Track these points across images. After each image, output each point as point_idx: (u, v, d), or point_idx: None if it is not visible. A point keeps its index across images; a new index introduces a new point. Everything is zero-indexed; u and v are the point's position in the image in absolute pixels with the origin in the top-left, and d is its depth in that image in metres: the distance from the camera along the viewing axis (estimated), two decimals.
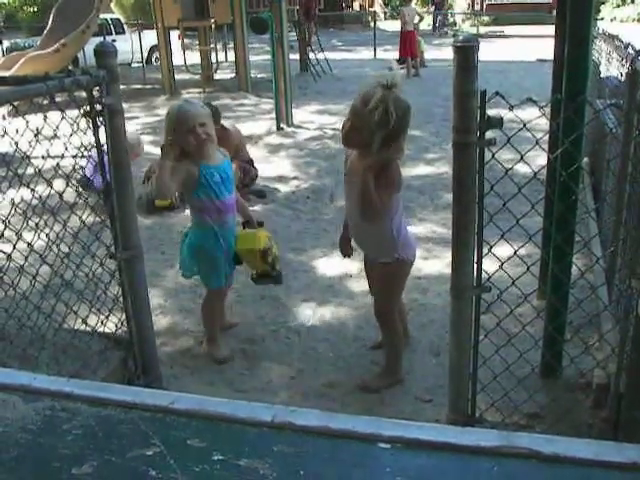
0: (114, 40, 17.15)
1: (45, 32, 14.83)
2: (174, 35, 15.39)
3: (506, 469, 0.77)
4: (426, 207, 6.62)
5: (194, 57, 16.45)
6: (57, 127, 2.80)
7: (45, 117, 2.75)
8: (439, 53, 18.67)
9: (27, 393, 0.92)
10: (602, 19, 27.24)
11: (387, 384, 3.60)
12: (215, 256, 3.77)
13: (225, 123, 6.85)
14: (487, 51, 16.50)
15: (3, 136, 2.87)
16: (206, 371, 3.85)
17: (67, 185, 3.01)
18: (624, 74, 4.54)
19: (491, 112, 2.36)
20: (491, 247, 2.53)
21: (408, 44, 16.44)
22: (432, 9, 32.36)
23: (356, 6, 44.49)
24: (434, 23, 31.47)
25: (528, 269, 2.71)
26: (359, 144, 3.14)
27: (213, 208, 3.71)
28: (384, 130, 2.94)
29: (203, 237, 3.78)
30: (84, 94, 2.91)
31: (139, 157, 6.78)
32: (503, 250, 2.66)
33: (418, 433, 0.81)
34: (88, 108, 2.89)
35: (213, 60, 15.60)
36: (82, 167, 3.22)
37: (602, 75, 6.82)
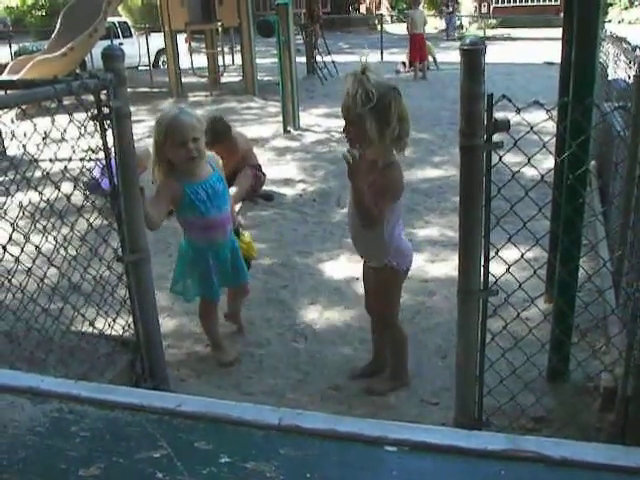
0: (121, 43, 17.28)
1: (53, 36, 14.89)
2: (181, 38, 15.43)
3: (513, 473, 0.76)
4: (433, 210, 6.61)
5: (201, 60, 16.50)
6: (65, 130, 2.81)
7: (53, 120, 2.76)
8: (446, 56, 18.65)
9: (35, 395, 0.93)
10: (610, 21, 27.15)
11: (392, 388, 3.59)
12: (202, 272, 3.75)
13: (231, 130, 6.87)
14: (494, 54, 16.51)
15: (11, 139, 2.88)
16: (213, 374, 3.85)
17: (75, 188, 3.02)
18: (632, 76, 4.53)
19: (498, 115, 2.36)
20: (498, 250, 2.53)
21: (417, 47, 16.46)
22: (448, 10, 32.13)
23: (363, 9, 44.56)
24: (447, 27, 31.43)
25: (535, 272, 2.70)
26: (359, 138, 3.09)
27: (200, 226, 3.66)
28: (368, 107, 2.91)
29: (191, 252, 3.77)
30: (92, 97, 2.92)
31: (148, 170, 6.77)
32: (510, 253, 2.66)
33: (424, 436, 0.81)
34: (96, 111, 2.90)
35: (220, 63, 15.64)
36: (90, 170, 3.23)
37: (610, 78, 6.81)
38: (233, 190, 6.34)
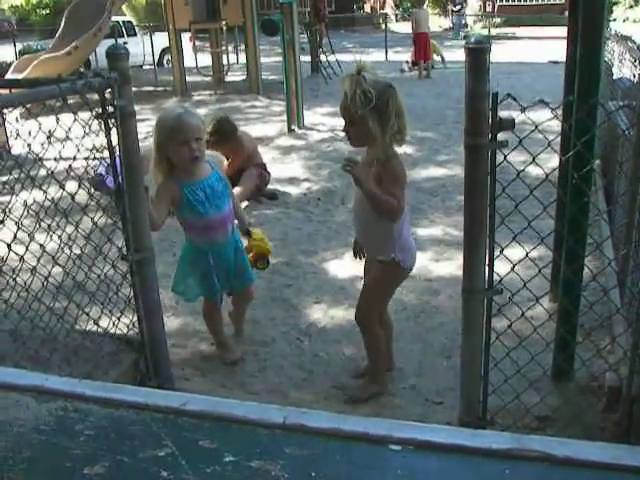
0: (126, 42, 17.27)
1: (57, 35, 14.90)
2: (185, 37, 15.43)
3: (518, 472, 0.76)
4: (438, 209, 6.60)
5: (205, 59, 16.50)
6: (69, 129, 2.82)
7: (57, 119, 2.77)
8: (451, 55, 18.62)
9: (40, 394, 0.93)
10: (614, 20, 27.06)
11: (371, 394, 3.53)
12: (203, 272, 3.74)
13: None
14: (499, 53, 16.50)
15: (16, 138, 2.89)
16: (217, 373, 3.86)
17: (79, 187, 3.02)
18: (637, 75, 4.53)
19: (503, 114, 2.36)
20: (503, 249, 2.53)
21: (422, 47, 16.43)
22: (455, 10, 31.92)
23: (367, 8, 44.52)
24: (453, 25, 31.35)
25: (540, 271, 2.70)
26: (361, 137, 3.14)
27: (199, 226, 3.65)
28: (369, 107, 2.96)
29: (192, 252, 3.77)
30: (96, 96, 2.92)
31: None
32: (515, 252, 2.66)
33: (429, 435, 0.81)
34: (100, 110, 2.90)
35: (224, 62, 15.64)
36: (94, 168, 3.23)
37: (615, 76, 6.79)
38: (237, 190, 6.35)
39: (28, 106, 2.70)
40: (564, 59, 3.71)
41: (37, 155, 2.88)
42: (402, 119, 3.10)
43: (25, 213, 2.98)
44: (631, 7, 33.14)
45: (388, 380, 3.67)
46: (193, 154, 3.44)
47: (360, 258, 3.71)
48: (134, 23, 23.92)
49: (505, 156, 2.39)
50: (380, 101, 2.98)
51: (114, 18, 16.64)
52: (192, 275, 3.79)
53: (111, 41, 14.84)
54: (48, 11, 36.68)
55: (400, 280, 3.51)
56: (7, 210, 2.77)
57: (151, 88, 16.06)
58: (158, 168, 3.55)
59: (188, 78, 15.06)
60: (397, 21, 38.49)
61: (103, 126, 2.93)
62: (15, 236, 2.78)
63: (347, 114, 3.10)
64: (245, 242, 4.03)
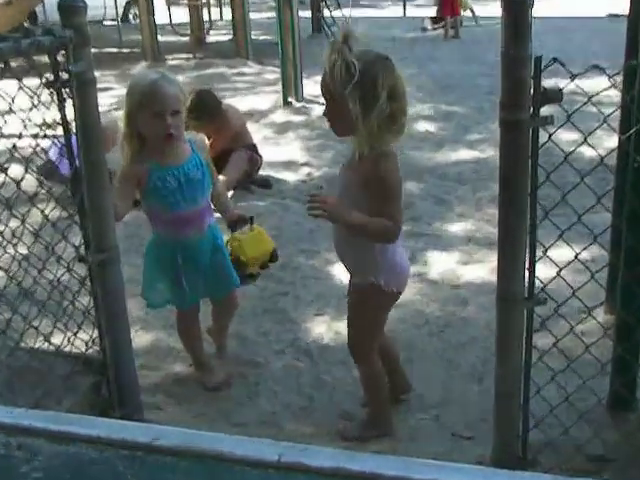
0: None
1: None
2: None
3: None
4: (467, 200, 6.61)
5: (181, 14, 16.51)
6: (12, 100, 2.81)
7: None
8: (484, 10, 18.63)
9: None
10: None
11: (372, 435, 3.51)
12: (170, 274, 3.74)
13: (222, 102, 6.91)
14: (544, 5, 16.47)
15: None
16: (197, 400, 3.86)
17: (26, 172, 3.02)
18: None
19: (548, 83, 2.36)
20: (546, 249, 2.53)
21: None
22: None
23: None
24: None
25: (593, 277, 2.70)
26: (342, 121, 3.08)
27: (167, 219, 3.65)
28: (351, 83, 2.89)
29: (157, 248, 3.78)
30: (46, 59, 2.92)
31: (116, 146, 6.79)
32: (561, 253, 2.66)
33: (455, 477, 0.81)
34: (52, 77, 2.90)
35: (205, 18, 15.65)
36: (45, 150, 3.23)
37: None
38: (222, 177, 6.36)
39: None
40: (626, 12, 3.70)
41: None
42: (399, 102, 2.99)
43: None
44: None
45: (404, 409, 3.67)
46: (168, 130, 3.43)
47: None
48: None
49: (550, 135, 2.39)
50: (366, 76, 2.89)
51: None
52: (160, 277, 3.78)
53: None
54: None
55: (384, 305, 3.44)
56: None
57: (115, 50, 16.10)
58: (127, 143, 3.53)
59: (160, 38, 15.08)
60: None
61: (55, 97, 2.93)
62: None
63: (326, 91, 3.06)
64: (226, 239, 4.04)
